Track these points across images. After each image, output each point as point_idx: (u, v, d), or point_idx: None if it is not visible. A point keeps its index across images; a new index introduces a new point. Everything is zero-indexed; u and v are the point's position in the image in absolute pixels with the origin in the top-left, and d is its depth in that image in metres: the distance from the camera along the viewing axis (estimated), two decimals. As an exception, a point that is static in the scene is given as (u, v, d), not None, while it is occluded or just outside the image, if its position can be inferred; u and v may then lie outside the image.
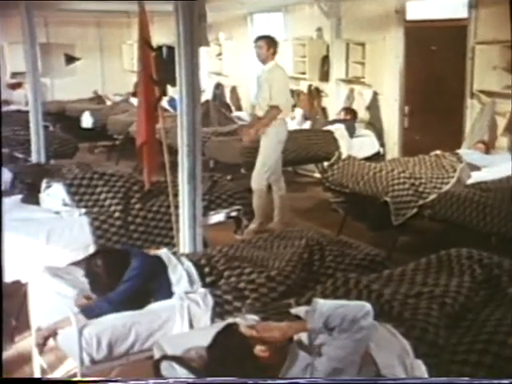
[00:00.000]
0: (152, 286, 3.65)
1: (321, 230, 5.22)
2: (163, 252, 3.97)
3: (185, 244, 4.47)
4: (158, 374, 2.83)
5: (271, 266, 4.00)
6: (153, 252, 3.99)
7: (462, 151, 6.80)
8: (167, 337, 3.25)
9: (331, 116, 9.32)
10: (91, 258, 3.75)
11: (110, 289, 3.57)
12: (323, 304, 2.56)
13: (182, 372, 2.71)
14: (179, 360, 2.73)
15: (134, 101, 11.78)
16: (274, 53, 6.68)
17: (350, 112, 8.84)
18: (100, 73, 13.86)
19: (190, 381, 2.80)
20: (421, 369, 2.70)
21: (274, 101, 6.39)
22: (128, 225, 4.90)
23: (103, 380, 3.17)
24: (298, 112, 9.40)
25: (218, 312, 3.54)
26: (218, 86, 11.38)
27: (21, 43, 11.42)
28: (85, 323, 3.34)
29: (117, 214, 4.92)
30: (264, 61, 6.64)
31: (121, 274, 3.61)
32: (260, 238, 4.59)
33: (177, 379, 2.96)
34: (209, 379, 2.83)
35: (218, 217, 5.28)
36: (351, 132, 8.41)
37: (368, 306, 2.55)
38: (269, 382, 2.56)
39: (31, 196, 5.57)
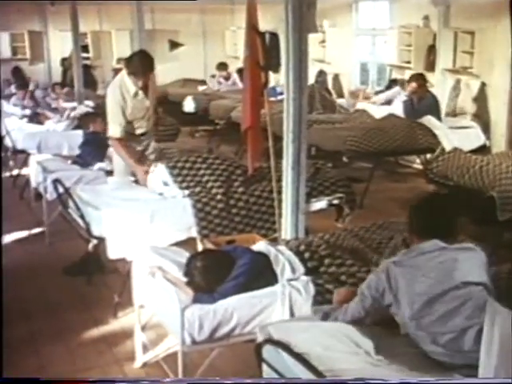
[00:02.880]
0: (259, 283, 3.62)
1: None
2: (262, 246, 3.98)
3: (286, 230, 4.47)
4: (259, 356, 2.85)
5: (371, 259, 3.94)
6: (255, 248, 3.99)
7: None
8: (275, 322, 3.25)
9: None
10: (193, 259, 3.72)
11: (208, 289, 3.56)
12: None
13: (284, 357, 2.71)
14: (282, 345, 2.73)
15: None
16: None
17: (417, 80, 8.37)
18: (202, 59, 14.06)
19: (191, 381, 2.82)
20: None
21: None
22: (230, 208, 4.93)
23: (104, 380, 3.23)
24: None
25: (319, 301, 3.51)
26: (321, 74, 11.32)
27: (126, 30, 11.88)
28: (187, 304, 3.39)
29: (219, 197, 4.96)
30: None
31: (223, 275, 3.60)
32: (362, 228, 4.53)
33: (177, 379, 2.99)
34: (211, 379, 2.88)
35: (319, 204, 5.23)
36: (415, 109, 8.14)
37: None
38: (269, 381, 2.54)
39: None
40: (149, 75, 5.54)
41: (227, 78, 12.48)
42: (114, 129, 5.53)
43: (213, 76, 12.96)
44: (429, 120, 7.97)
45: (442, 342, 2.74)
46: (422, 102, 8.24)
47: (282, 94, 9.05)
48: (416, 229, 3.01)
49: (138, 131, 5.72)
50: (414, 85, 8.24)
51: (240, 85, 12.30)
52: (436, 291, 2.78)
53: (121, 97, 5.49)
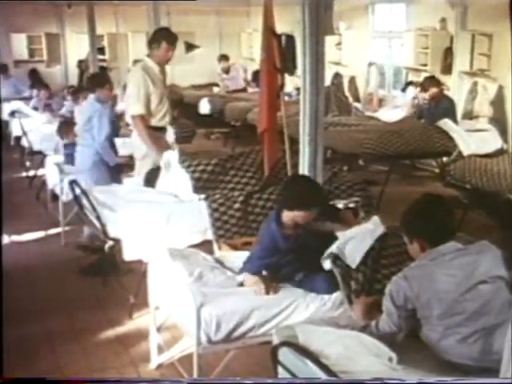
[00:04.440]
0: None
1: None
2: None
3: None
4: (275, 359, 2.84)
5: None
6: None
7: None
8: (294, 324, 3.23)
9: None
10: None
11: None
12: None
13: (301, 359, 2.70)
14: (299, 347, 2.72)
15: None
16: None
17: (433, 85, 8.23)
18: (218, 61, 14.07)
19: (190, 381, 2.81)
20: None
21: None
22: (247, 211, 4.90)
23: (104, 380, 3.23)
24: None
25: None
26: (336, 76, 11.29)
27: (143, 32, 11.92)
28: (203, 302, 3.40)
29: (237, 203, 4.95)
30: None
31: None
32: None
33: (177, 379, 2.99)
34: (210, 379, 2.86)
35: (336, 207, 5.22)
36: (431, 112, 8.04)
37: None
38: (269, 381, 2.53)
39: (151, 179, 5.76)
40: (171, 50, 5.65)
41: (227, 71, 12.36)
42: (137, 107, 5.60)
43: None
44: (445, 123, 7.92)
45: (471, 341, 2.73)
46: (439, 105, 8.19)
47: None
48: (424, 233, 2.95)
49: (158, 124, 5.77)
50: (434, 90, 8.13)
51: (241, 79, 12.43)
52: (463, 288, 2.77)
53: (142, 79, 5.58)
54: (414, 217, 3.01)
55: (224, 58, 12.51)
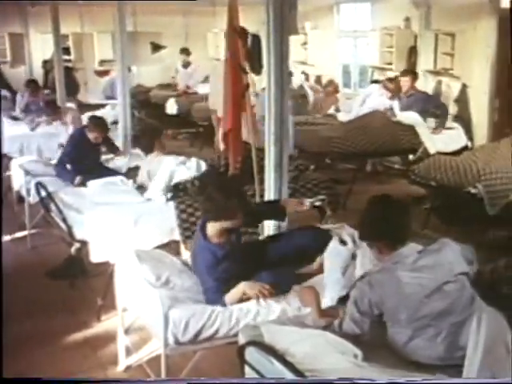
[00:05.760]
0: None
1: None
2: None
3: (269, 231, 4.47)
4: (242, 358, 2.86)
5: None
6: None
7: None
8: (260, 323, 3.25)
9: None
10: None
11: None
12: None
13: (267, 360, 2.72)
14: (265, 346, 2.74)
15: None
16: None
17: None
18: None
19: (190, 381, 2.83)
20: None
21: None
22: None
23: (103, 380, 3.23)
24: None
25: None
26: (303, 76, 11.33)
27: (108, 32, 11.82)
28: (171, 304, 3.39)
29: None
30: None
31: None
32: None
33: (177, 379, 2.99)
34: (209, 379, 2.87)
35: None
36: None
37: None
38: (269, 381, 2.56)
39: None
40: None
41: (186, 66, 11.99)
42: None
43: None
44: (413, 117, 8.00)
45: (438, 340, 2.76)
46: (412, 97, 8.26)
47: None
48: (380, 236, 2.95)
49: None
50: (407, 79, 8.29)
51: (200, 76, 11.94)
52: (428, 290, 2.78)
53: None
54: (367, 222, 3.01)
55: (185, 51, 12.17)
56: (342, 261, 3.56)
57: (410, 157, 7.97)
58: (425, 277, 2.80)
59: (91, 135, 6.32)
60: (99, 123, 6.45)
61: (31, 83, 9.84)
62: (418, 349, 2.81)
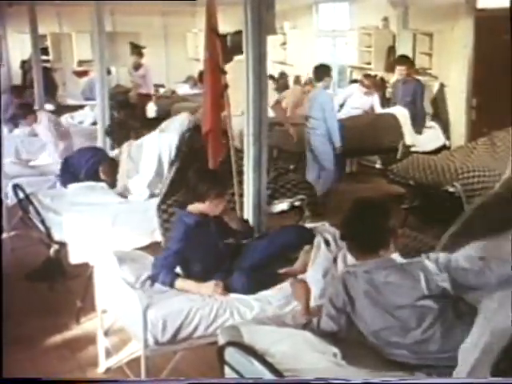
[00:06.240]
0: None
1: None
2: None
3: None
4: (221, 359, 2.86)
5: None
6: None
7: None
8: (239, 323, 3.26)
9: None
10: None
11: None
12: None
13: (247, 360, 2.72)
14: (244, 347, 2.74)
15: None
16: None
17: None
18: (164, 61, 14.00)
19: (191, 381, 2.83)
20: None
21: None
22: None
23: (103, 380, 3.23)
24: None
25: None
26: (282, 76, 11.35)
27: (87, 32, 11.75)
28: (149, 303, 3.39)
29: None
30: None
31: None
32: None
33: (177, 379, 2.99)
34: (209, 379, 2.88)
35: (281, 206, 5.26)
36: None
37: None
38: (269, 381, 2.57)
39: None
40: None
41: (137, 68, 11.21)
42: None
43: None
44: (399, 111, 8.04)
45: (404, 347, 2.76)
46: (408, 85, 8.17)
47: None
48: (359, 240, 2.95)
49: None
50: (403, 68, 8.09)
51: (151, 78, 11.41)
52: (395, 304, 2.77)
53: None
54: (347, 225, 3.01)
55: (136, 51, 11.38)
56: (324, 262, 3.59)
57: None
58: (388, 294, 2.79)
59: None
60: None
61: (16, 88, 9.71)
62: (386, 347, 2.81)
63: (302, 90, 9.57)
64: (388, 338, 2.80)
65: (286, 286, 3.59)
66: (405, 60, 8.28)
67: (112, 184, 5.72)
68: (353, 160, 8.95)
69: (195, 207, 3.82)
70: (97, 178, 5.78)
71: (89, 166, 5.93)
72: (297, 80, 11.15)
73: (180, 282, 3.66)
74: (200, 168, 4.10)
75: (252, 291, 3.61)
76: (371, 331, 2.84)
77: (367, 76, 8.82)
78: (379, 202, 3.14)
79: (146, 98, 11.16)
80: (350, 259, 3.21)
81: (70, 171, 6.04)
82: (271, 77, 8.99)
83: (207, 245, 3.78)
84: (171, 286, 3.64)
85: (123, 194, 5.49)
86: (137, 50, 11.39)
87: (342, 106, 8.88)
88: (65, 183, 5.90)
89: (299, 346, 2.81)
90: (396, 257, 2.91)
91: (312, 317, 3.09)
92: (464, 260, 2.76)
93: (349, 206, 3.03)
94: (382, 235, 2.89)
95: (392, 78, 8.67)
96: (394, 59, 9.02)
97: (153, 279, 3.69)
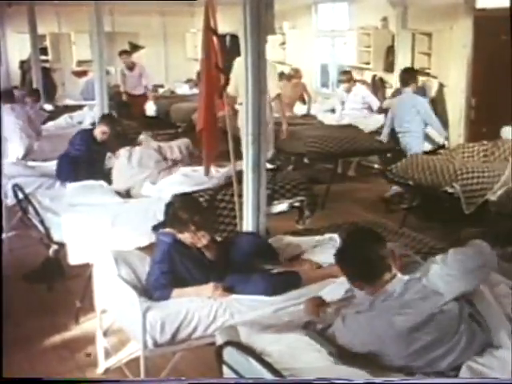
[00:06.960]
0: None
1: (383, 221, 5.16)
2: None
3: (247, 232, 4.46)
4: (220, 359, 2.86)
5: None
6: None
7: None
8: (236, 324, 3.24)
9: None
10: None
11: None
12: None
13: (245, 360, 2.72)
14: (243, 346, 2.74)
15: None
16: None
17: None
18: (163, 61, 14.01)
19: (190, 381, 2.83)
20: None
21: None
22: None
23: (103, 380, 3.23)
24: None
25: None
26: (281, 75, 11.32)
27: (86, 32, 11.74)
28: (149, 306, 3.38)
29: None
30: None
31: None
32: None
33: (176, 379, 2.99)
34: (208, 379, 2.91)
35: (281, 206, 5.27)
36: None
37: None
38: (268, 382, 2.57)
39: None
40: None
41: (131, 68, 11.11)
42: None
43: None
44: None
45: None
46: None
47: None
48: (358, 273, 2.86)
49: None
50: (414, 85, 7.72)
51: (147, 78, 11.28)
52: (417, 321, 2.68)
53: None
54: (344, 258, 2.91)
55: (125, 53, 11.24)
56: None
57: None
58: (413, 311, 2.69)
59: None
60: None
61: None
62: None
63: (292, 83, 9.59)
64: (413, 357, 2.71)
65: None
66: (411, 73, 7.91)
67: (111, 148, 5.93)
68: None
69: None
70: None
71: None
72: (282, 75, 11.04)
73: (177, 292, 3.59)
74: (186, 198, 3.91)
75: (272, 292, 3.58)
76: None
77: (344, 72, 8.90)
78: (371, 229, 3.05)
79: (143, 98, 11.17)
80: None
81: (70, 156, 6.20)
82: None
83: (192, 257, 3.72)
84: (169, 298, 3.58)
85: (122, 194, 5.49)
86: (124, 52, 11.26)
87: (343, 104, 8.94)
88: (64, 177, 5.99)
89: (296, 344, 2.81)
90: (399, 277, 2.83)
91: (319, 321, 3.06)
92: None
93: (343, 237, 2.98)
94: (381, 260, 2.81)
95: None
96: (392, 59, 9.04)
97: (149, 296, 3.61)
